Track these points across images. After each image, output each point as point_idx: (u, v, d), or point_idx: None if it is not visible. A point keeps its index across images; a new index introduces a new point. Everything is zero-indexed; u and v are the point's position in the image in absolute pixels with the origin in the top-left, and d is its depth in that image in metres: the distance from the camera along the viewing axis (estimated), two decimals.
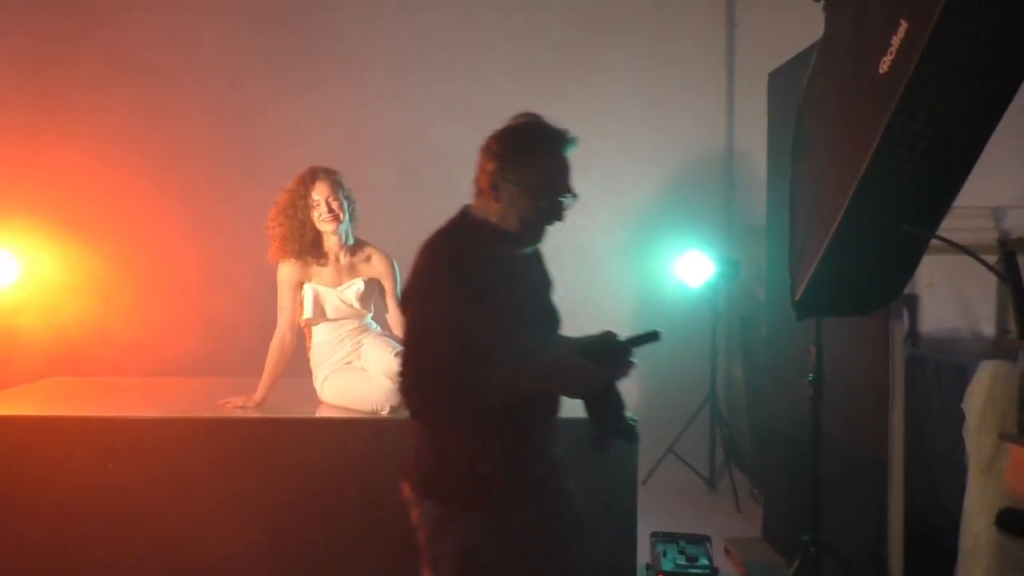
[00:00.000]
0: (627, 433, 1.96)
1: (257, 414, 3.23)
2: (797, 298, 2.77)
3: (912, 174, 2.31)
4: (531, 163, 1.95)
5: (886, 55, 2.20)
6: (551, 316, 2.09)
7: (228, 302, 5.25)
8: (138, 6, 5.51)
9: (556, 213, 1.99)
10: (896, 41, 2.15)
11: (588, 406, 1.93)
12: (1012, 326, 2.54)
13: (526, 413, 1.93)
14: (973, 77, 2.05)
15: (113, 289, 5.39)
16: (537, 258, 2.13)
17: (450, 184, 5.87)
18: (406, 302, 1.99)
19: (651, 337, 1.99)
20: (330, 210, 3.30)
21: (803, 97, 2.82)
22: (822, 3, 2.73)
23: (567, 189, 2.00)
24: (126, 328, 5.34)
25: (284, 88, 5.49)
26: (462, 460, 1.93)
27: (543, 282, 2.13)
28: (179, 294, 5.39)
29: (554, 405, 2.04)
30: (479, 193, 1.99)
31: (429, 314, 1.92)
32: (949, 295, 4.44)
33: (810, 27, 3.09)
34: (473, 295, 1.85)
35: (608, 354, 1.95)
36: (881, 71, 2.22)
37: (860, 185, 2.35)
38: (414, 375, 1.97)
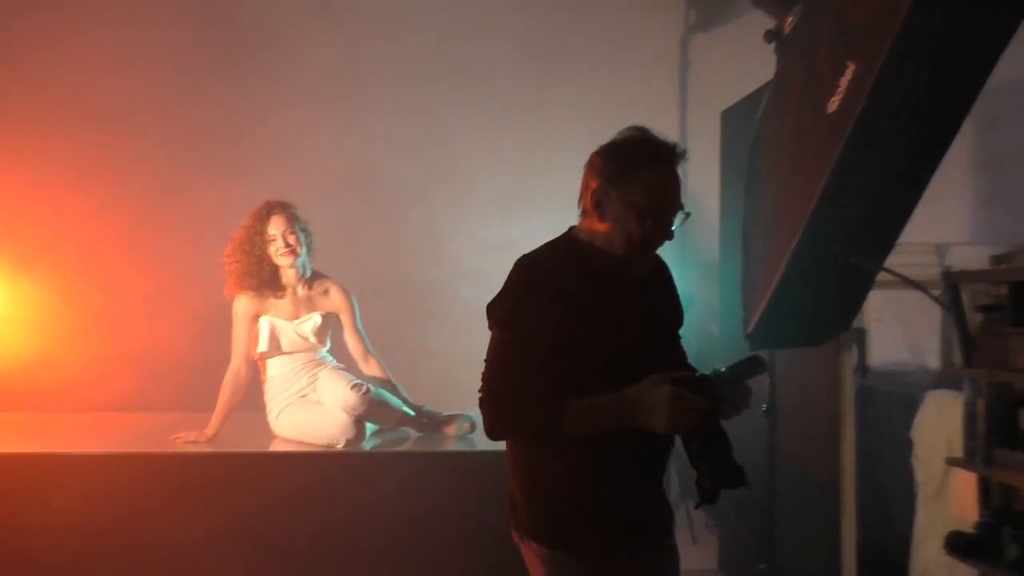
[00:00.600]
0: (733, 480, 1.69)
1: (210, 448, 3.17)
2: (750, 330, 2.83)
3: (860, 210, 2.39)
4: (637, 179, 1.81)
5: (835, 95, 2.28)
6: (634, 353, 1.80)
7: (176, 335, 5.15)
8: (76, 34, 5.43)
9: (665, 232, 1.86)
10: (844, 82, 2.23)
11: (685, 448, 1.71)
12: (957, 357, 2.62)
13: (603, 447, 1.74)
14: (918, 116, 2.13)
15: (55, 321, 5.25)
16: (653, 287, 1.96)
17: (402, 215, 5.91)
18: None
19: (755, 365, 1.74)
20: (287, 244, 3.29)
21: (755, 135, 2.90)
22: (773, 44, 2.82)
23: (677, 206, 1.87)
24: (69, 361, 5.20)
25: (232, 121, 5.45)
26: (536, 494, 1.79)
27: (649, 314, 1.91)
28: (124, 326, 5.28)
29: (648, 441, 1.75)
30: (583, 214, 1.86)
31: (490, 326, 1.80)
32: (896, 329, 4.55)
33: (762, 67, 3.18)
34: (519, 302, 1.73)
35: (711, 388, 1.70)
36: (830, 110, 2.30)
37: (810, 220, 2.41)
38: (486, 396, 1.77)
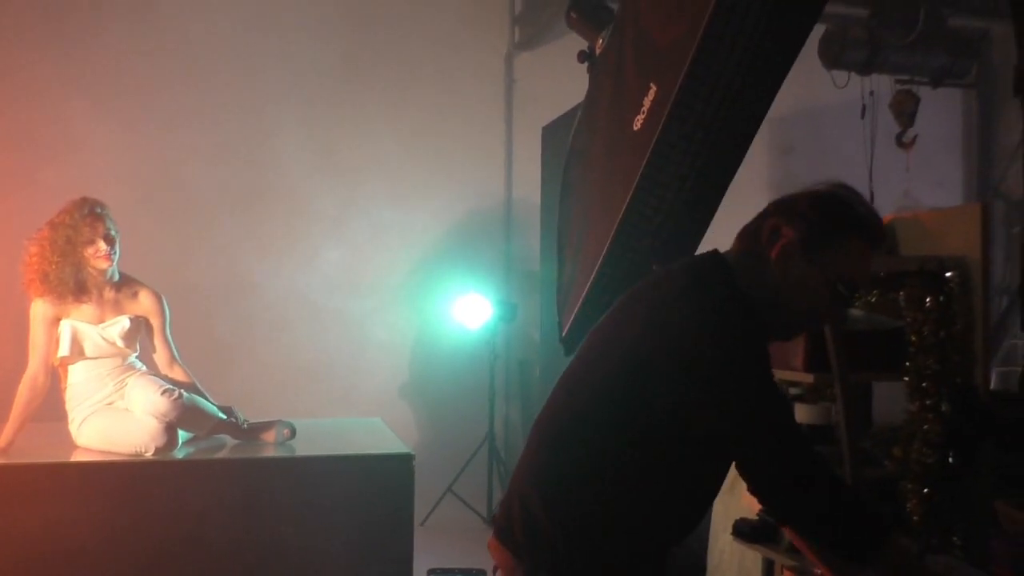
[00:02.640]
0: None
1: (2, 460, 2.96)
2: (564, 334, 2.96)
3: (662, 220, 2.56)
4: (846, 247, 1.56)
5: (639, 114, 2.44)
6: None
7: None
8: None
9: (835, 315, 1.63)
10: (647, 102, 2.39)
11: None
12: None
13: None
14: (713, 134, 2.32)
15: None
16: None
17: (207, 223, 5.70)
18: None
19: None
20: (109, 245, 3.12)
21: (569, 148, 3.05)
22: (586, 64, 2.98)
23: (860, 288, 1.64)
24: None
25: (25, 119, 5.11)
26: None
27: None
28: None
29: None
30: (754, 254, 1.58)
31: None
32: None
33: (581, 86, 3.36)
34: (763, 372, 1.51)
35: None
36: (635, 128, 2.46)
37: (618, 229, 2.57)
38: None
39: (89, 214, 3.11)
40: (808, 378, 2.36)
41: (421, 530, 3.72)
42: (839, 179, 1.64)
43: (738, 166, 2.55)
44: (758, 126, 2.46)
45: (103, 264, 3.13)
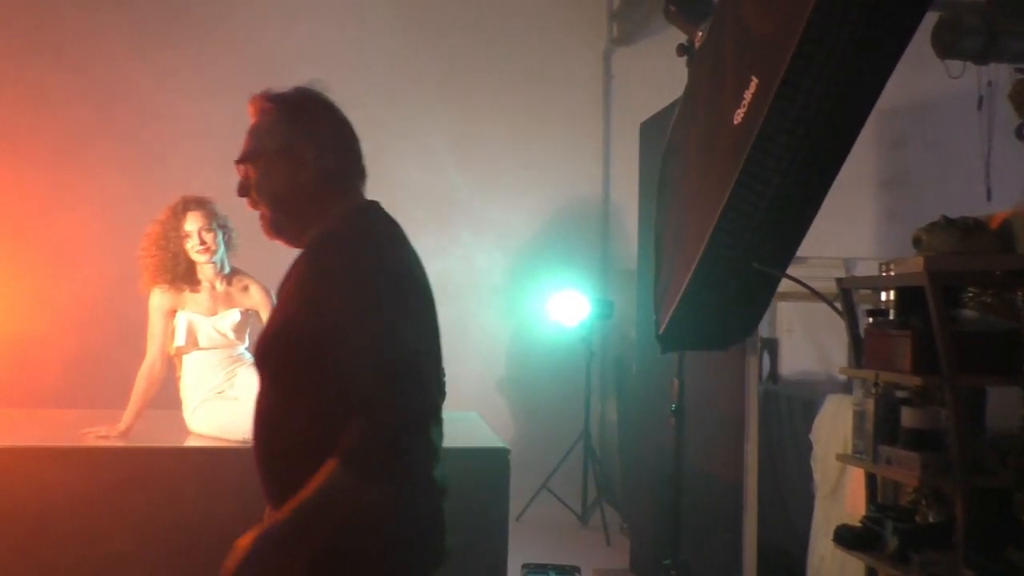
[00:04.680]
0: None
1: (121, 443, 3.13)
2: (660, 332, 2.93)
3: (763, 217, 2.51)
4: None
5: (740, 107, 2.40)
6: None
7: (97, 332, 5.06)
8: None
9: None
10: (748, 95, 2.35)
11: None
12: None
13: None
14: (817, 128, 2.26)
15: None
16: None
17: None
18: None
19: None
20: (202, 242, 3.28)
21: (667, 145, 3.01)
22: (686, 58, 2.94)
23: None
24: None
25: (156, 107, 5.37)
26: None
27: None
28: (47, 323, 5.17)
29: None
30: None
31: None
32: (806, 340, 4.75)
33: (680, 80, 3.31)
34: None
35: None
36: (735, 122, 2.41)
37: (716, 227, 2.52)
38: None
39: (184, 211, 3.29)
40: (916, 380, 2.27)
41: (515, 525, 3.75)
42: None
43: (843, 161, 2.47)
44: (865, 119, 2.39)
45: (200, 258, 3.29)
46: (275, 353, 1.66)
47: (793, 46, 2.12)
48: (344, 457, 1.48)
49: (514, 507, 3.73)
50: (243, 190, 1.68)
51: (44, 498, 2.94)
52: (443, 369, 1.70)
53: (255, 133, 1.68)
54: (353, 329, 1.52)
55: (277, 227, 1.67)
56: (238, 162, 1.68)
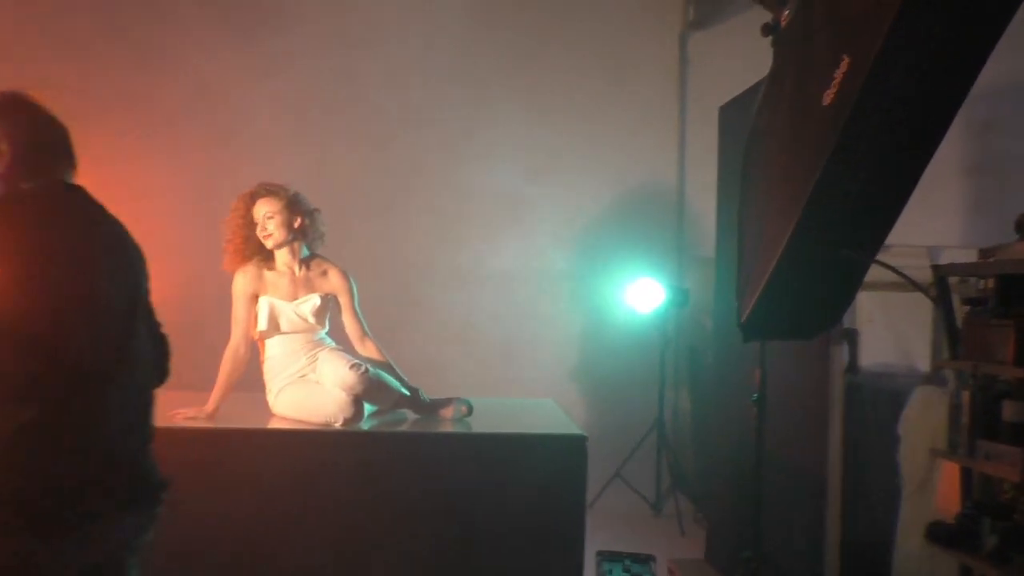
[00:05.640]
0: None
1: (208, 424, 3.21)
2: (743, 321, 2.87)
3: (852, 203, 2.43)
4: None
5: (830, 88, 2.32)
6: None
7: (185, 315, 5.20)
8: None
9: None
10: (839, 75, 2.27)
11: None
12: (945, 352, 2.67)
13: None
14: (911, 109, 2.18)
15: None
16: None
17: (384, 208, 5.98)
18: None
19: None
20: (265, 229, 3.35)
21: (751, 129, 2.94)
22: (771, 38, 2.86)
23: None
24: None
25: (241, 92, 5.49)
26: None
27: None
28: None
29: None
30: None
31: None
32: (887, 331, 4.61)
33: (759, 63, 3.23)
34: None
35: None
36: (825, 103, 2.34)
37: (803, 213, 2.45)
38: None
39: (252, 199, 3.37)
40: (1019, 373, 2.17)
41: (588, 512, 3.75)
42: None
43: (939, 143, 2.38)
44: (963, 99, 2.29)
45: (268, 243, 3.36)
46: None
47: (889, 21, 2.04)
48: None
49: (587, 495, 3.71)
50: None
51: None
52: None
53: None
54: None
55: None
56: None
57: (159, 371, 2.23)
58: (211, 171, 5.35)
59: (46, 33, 5.36)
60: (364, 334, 3.48)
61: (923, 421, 3.07)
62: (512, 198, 5.65)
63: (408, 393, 3.41)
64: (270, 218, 3.35)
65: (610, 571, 3.51)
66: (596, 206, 5.71)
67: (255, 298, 3.38)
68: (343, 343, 3.52)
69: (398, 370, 3.46)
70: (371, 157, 5.55)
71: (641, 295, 5.30)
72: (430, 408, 3.45)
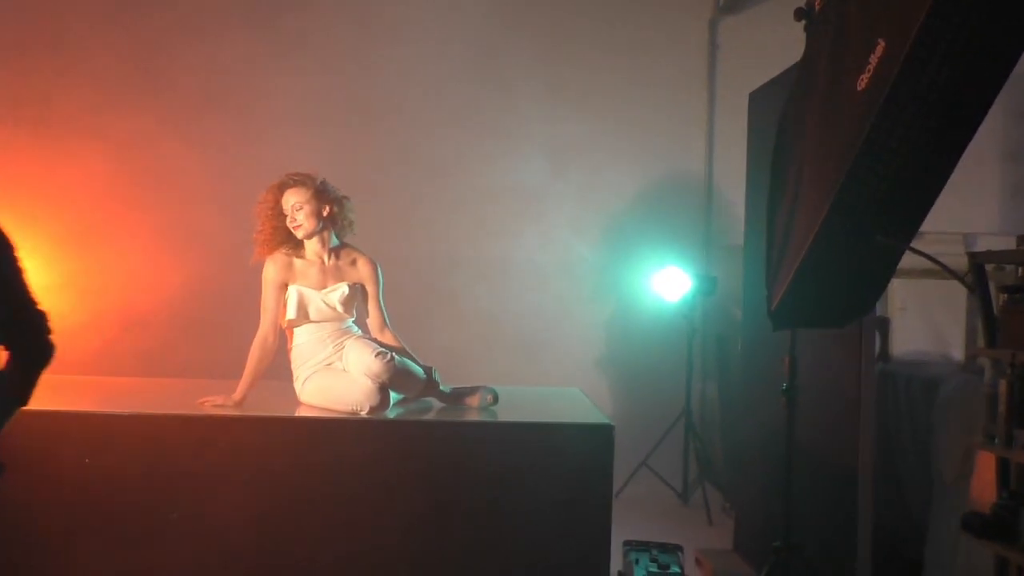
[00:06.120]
0: None
1: (236, 412, 3.24)
2: (773, 309, 2.84)
3: (887, 189, 2.38)
4: None
5: (864, 72, 2.28)
6: None
7: (213, 304, 5.25)
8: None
9: None
10: (874, 59, 2.23)
11: None
12: (981, 341, 2.62)
13: None
14: (947, 94, 2.13)
15: (100, 290, 5.38)
16: None
17: (413, 198, 5.98)
18: None
19: None
20: (293, 219, 3.36)
21: (783, 113, 2.90)
22: (803, 23, 2.82)
23: None
24: (106, 327, 5.34)
25: (266, 82, 5.51)
26: None
27: None
28: (163, 296, 5.40)
29: None
30: None
31: None
32: (919, 319, 4.55)
33: (790, 49, 3.18)
34: None
35: None
36: (859, 88, 2.30)
37: (836, 199, 2.42)
38: None
39: (282, 188, 3.39)
40: None
41: (615, 502, 3.73)
42: None
43: (975, 129, 2.33)
44: (1002, 84, 2.24)
45: (299, 234, 3.37)
46: None
47: (926, 4, 1.99)
48: None
49: (614, 484, 3.70)
50: None
51: (161, 463, 3.07)
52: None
53: None
54: None
55: None
56: None
57: (36, 348, 2.24)
58: (235, 158, 5.38)
59: (65, 20, 5.40)
60: (384, 325, 3.49)
61: (959, 411, 3.03)
62: (537, 187, 5.63)
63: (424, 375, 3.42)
64: (299, 208, 3.36)
65: (637, 561, 3.50)
66: (623, 194, 5.67)
67: (284, 286, 3.39)
68: (367, 331, 3.53)
69: (415, 357, 3.45)
70: (395, 153, 5.55)
71: (668, 283, 5.26)
72: (456, 397, 3.45)
